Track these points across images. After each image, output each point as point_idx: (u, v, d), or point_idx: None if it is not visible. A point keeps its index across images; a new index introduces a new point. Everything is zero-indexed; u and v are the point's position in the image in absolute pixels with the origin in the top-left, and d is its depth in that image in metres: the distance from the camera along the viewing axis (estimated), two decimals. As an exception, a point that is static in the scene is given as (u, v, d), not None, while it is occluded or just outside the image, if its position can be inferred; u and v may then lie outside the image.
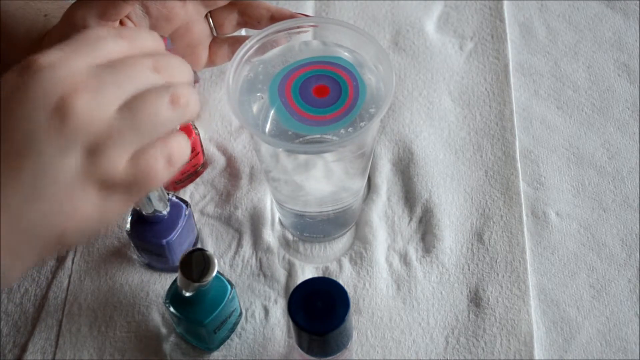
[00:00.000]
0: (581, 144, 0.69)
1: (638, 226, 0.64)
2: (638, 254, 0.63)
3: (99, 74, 0.33)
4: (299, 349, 0.51)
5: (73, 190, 0.32)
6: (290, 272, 0.62)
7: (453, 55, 0.74)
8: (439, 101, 0.71)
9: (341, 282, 0.51)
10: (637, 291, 0.61)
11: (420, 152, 0.68)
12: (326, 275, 0.62)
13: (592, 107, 0.71)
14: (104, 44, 0.34)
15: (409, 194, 0.66)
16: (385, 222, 0.65)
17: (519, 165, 0.67)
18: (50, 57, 0.32)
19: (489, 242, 0.63)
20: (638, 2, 0.78)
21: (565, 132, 0.70)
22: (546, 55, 0.75)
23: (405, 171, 0.67)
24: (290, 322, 0.49)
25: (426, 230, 0.64)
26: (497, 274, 0.62)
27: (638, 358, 0.58)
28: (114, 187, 0.33)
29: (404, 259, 0.63)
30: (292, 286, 0.60)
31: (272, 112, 0.56)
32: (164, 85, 0.34)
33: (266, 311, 0.61)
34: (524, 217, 0.64)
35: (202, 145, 0.66)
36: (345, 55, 0.62)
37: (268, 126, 0.55)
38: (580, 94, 0.72)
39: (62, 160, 0.32)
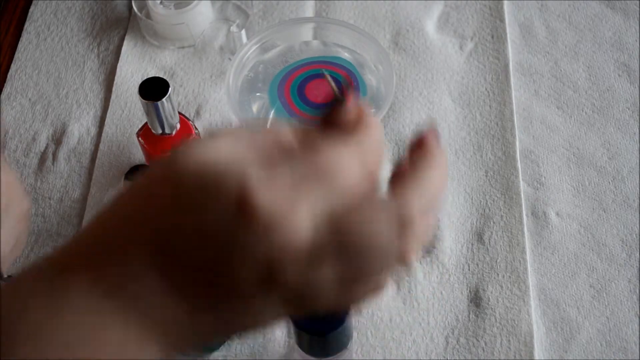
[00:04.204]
0: (581, 144, 0.69)
1: (638, 226, 0.64)
2: (638, 254, 0.63)
3: (323, 243, 0.27)
4: (299, 349, 0.51)
5: (264, 315, 0.30)
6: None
7: (453, 55, 0.74)
8: (439, 101, 0.71)
9: (341, 282, 0.51)
10: (637, 291, 0.61)
11: (420, 152, 0.68)
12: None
13: (592, 107, 0.71)
14: (348, 191, 0.28)
15: (409, 194, 0.66)
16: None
17: (519, 165, 0.67)
18: (277, 199, 0.27)
19: (489, 242, 0.63)
20: (638, 2, 0.78)
21: (565, 132, 0.70)
22: (546, 55, 0.75)
23: (405, 171, 0.67)
24: (290, 322, 0.49)
25: (426, 230, 0.64)
26: (497, 274, 0.62)
27: (638, 358, 0.58)
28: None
29: (404, 259, 0.63)
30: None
31: (272, 112, 0.56)
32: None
33: (266, 311, 0.61)
34: (524, 217, 0.64)
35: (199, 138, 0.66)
36: (346, 55, 0.62)
37: (268, 126, 0.55)
38: (580, 94, 0.72)
39: (260, 305, 0.29)
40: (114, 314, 0.28)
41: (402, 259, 0.29)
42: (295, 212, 0.27)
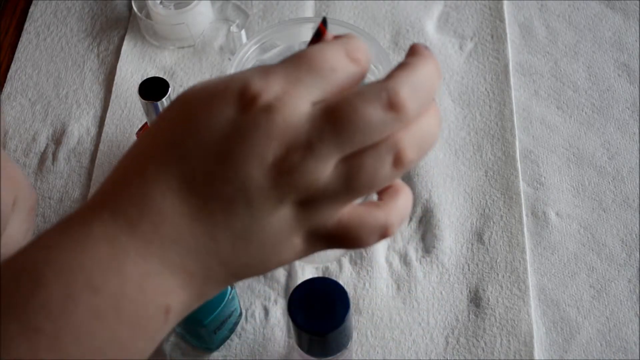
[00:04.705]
0: (581, 144, 0.69)
1: (638, 226, 0.64)
2: (638, 254, 0.63)
3: (320, 126, 0.29)
4: (299, 349, 0.51)
5: (279, 239, 0.31)
6: (290, 272, 0.62)
7: (453, 55, 0.74)
8: (439, 101, 0.71)
9: (341, 282, 0.51)
10: (637, 291, 0.61)
11: (420, 152, 0.68)
12: (326, 275, 0.62)
13: (592, 107, 0.71)
14: (336, 75, 0.30)
15: (409, 194, 0.66)
16: (385, 222, 0.64)
17: (519, 165, 0.67)
18: (274, 89, 0.29)
19: (489, 242, 0.63)
20: (638, 2, 0.78)
21: (565, 132, 0.70)
22: (546, 55, 0.75)
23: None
24: (290, 322, 0.49)
25: (426, 230, 0.64)
26: (497, 274, 0.62)
27: (638, 358, 0.58)
28: (320, 239, 0.32)
29: (404, 259, 0.63)
30: (292, 286, 0.60)
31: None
32: (386, 142, 0.30)
33: (266, 311, 0.61)
34: (524, 217, 0.64)
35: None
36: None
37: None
38: (580, 94, 0.72)
39: (273, 212, 0.30)
40: (133, 246, 0.30)
41: (397, 150, 0.30)
42: (291, 96, 0.29)
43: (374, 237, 0.32)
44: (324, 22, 0.33)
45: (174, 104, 0.31)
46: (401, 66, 0.31)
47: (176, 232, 0.30)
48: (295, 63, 0.30)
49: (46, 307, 0.29)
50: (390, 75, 0.30)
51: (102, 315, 0.29)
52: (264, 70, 0.30)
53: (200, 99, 0.30)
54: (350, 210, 0.31)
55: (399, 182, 0.33)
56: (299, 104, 0.29)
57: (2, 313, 0.29)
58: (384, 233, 0.32)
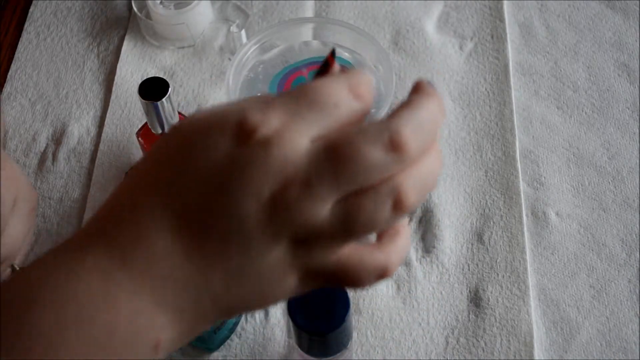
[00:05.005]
0: (581, 144, 0.69)
1: (638, 226, 0.64)
2: (638, 254, 0.63)
3: (318, 164, 0.28)
4: (299, 349, 0.51)
5: (274, 277, 0.30)
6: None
7: (453, 55, 0.74)
8: (439, 101, 0.71)
9: (341, 282, 0.51)
10: (637, 291, 0.61)
11: (420, 152, 0.68)
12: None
13: (592, 107, 0.71)
14: (338, 111, 0.29)
15: (409, 194, 0.66)
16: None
17: (519, 165, 0.67)
18: (273, 123, 0.28)
19: (489, 242, 0.63)
20: (638, 2, 0.78)
21: (565, 132, 0.70)
22: (546, 55, 0.75)
23: (405, 171, 0.67)
24: (290, 322, 0.49)
25: (426, 230, 0.64)
26: (497, 274, 0.62)
27: (638, 358, 0.58)
28: (317, 278, 0.31)
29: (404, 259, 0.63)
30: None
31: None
32: (386, 184, 0.29)
33: (266, 311, 0.61)
34: (524, 217, 0.64)
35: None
36: (345, 55, 0.62)
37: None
38: (580, 94, 0.72)
39: (268, 249, 0.29)
40: (125, 281, 0.29)
41: (398, 193, 0.29)
42: (291, 131, 0.28)
43: (373, 278, 0.31)
44: (332, 53, 0.33)
45: (170, 134, 0.31)
46: (404, 105, 0.30)
47: (169, 269, 0.29)
48: (297, 97, 0.29)
49: (35, 336, 0.28)
50: (393, 114, 0.29)
51: (92, 346, 0.29)
52: (264, 102, 0.29)
53: (197, 130, 0.30)
54: (350, 250, 0.31)
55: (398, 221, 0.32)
56: (298, 139, 0.28)
57: None
58: (383, 274, 0.31)
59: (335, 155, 0.28)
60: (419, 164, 0.30)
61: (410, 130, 0.29)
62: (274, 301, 0.32)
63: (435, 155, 0.30)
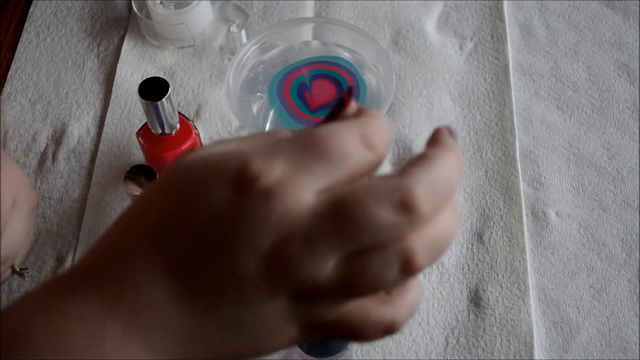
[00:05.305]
0: (581, 144, 0.69)
1: (638, 226, 0.64)
2: (638, 254, 0.63)
3: (323, 221, 0.26)
4: (299, 349, 0.51)
5: (273, 329, 0.29)
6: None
7: (453, 55, 0.74)
8: (439, 101, 0.71)
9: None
10: (637, 291, 0.61)
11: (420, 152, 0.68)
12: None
13: (592, 107, 0.71)
14: (347, 163, 0.27)
15: (409, 194, 0.66)
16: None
17: (519, 165, 0.67)
18: (277, 172, 0.26)
19: (489, 242, 0.63)
20: (638, 2, 0.78)
21: (565, 132, 0.70)
22: (546, 55, 0.75)
23: (405, 171, 0.67)
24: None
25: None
26: (497, 274, 0.62)
27: (638, 358, 0.58)
28: (318, 331, 0.29)
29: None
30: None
31: (271, 112, 0.56)
32: (395, 245, 0.27)
33: (266, 311, 0.61)
34: (524, 217, 0.64)
35: (202, 145, 0.66)
36: (345, 55, 0.62)
37: (268, 126, 0.55)
38: (580, 94, 0.72)
39: (266, 303, 0.27)
40: (115, 326, 0.28)
41: (406, 255, 0.27)
42: (294, 183, 0.26)
43: (379, 334, 0.29)
44: (349, 92, 0.30)
45: (168, 174, 0.29)
46: (420, 159, 0.28)
47: (160, 317, 0.28)
48: (303, 145, 0.27)
49: None
50: (407, 171, 0.27)
51: None
52: (268, 149, 0.27)
53: (196, 173, 0.28)
54: (355, 305, 0.29)
55: None
56: (302, 192, 0.26)
57: None
58: (390, 330, 0.30)
59: (340, 214, 0.26)
60: (432, 224, 0.27)
61: (424, 190, 0.27)
62: (272, 351, 0.30)
63: (451, 214, 0.28)
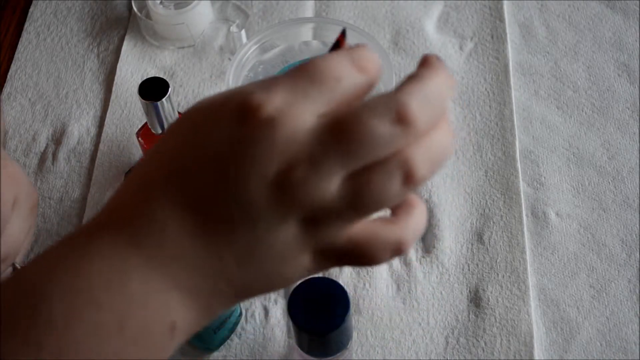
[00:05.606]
0: (581, 144, 0.69)
1: (638, 226, 0.64)
2: (638, 254, 0.63)
3: (325, 140, 0.28)
4: (299, 349, 0.51)
5: (286, 257, 0.30)
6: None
7: (453, 55, 0.74)
8: (439, 101, 0.71)
9: (341, 282, 0.51)
10: (637, 291, 0.61)
11: (420, 152, 0.68)
12: (326, 276, 0.62)
13: (592, 107, 0.71)
14: (341, 85, 0.29)
15: (409, 194, 0.66)
16: (385, 222, 0.64)
17: (519, 165, 0.67)
18: (277, 101, 0.28)
19: (489, 242, 0.63)
20: (638, 2, 0.78)
21: (565, 132, 0.70)
22: (546, 55, 0.75)
23: (405, 171, 0.67)
24: (290, 322, 0.49)
25: (426, 230, 0.64)
26: (497, 274, 0.62)
27: (638, 358, 0.58)
28: (330, 257, 0.30)
29: (404, 259, 0.63)
30: (292, 286, 0.60)
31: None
32: (396, 158, 0.28)
33: (266, 311, 0.61)
34: (524, 217, 0.64)
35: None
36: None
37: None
38: (580, 94, 0.72)
39: (277, 229, 0.29)
40: (137, 263, 0.29)
41: (407, 166, 0.28)
42: (294, 109, 0.28)
43: (387, 254, 0.31)
44: (343, 33, 0.32)
45: (179, 120, 0.31)
46: (411, 78, 0.29)
47: (180, 250, 0.29)
48: (299, 74, 0.29)
49: (49, 323, 0.28)
50: (400, 88, 0.29)
51: (105, 332, 0.29)
52: (267, 82, 0.29)
53: (203, 114, 0.30)
54: (362, 227, 0.30)
55: (413, 196, 0.32)
56: (303, 116, 0.28)
57: (4, 328, 0.28)
58: (397, 250, 0.31)
59: (340, 131, 0.28)
60: (429, 138, 0.29)
61: (418, 103, 0.28)
62: (291, 281, 0.31)
63: (446, 129, 0.30)
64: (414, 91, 0.29)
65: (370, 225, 0.30)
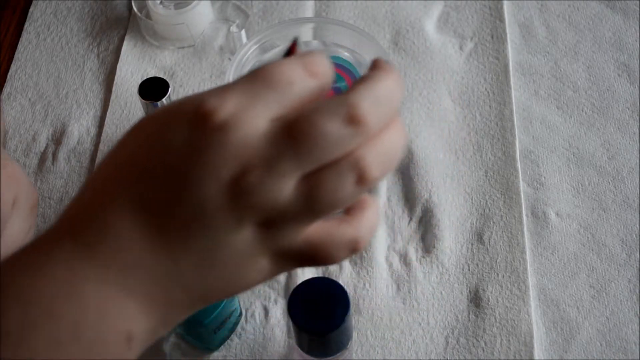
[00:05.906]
0: (581, 144, 0.69)
1: (638, 226, 0.64)
2: (638, 254, 0.63)
3: (278, 143, 0.28)
4: (299, 349, 0.51)
5: (243, 261, 0.30)
6: (290, 272, 0.62)
7: (453, 55, 0.74)
8: (439, 101, 0.71)
9: (341, 282, 0.51)
10: (637, 291, 0.61)
11: (420, 152, 0.68)
12: (326, 276, 0.62)
13: (592, 107, 0.71)
14: (293, 89, 0.29)
15: (408, 194, 0.66)
16: (385, 222, 0.65)
17: (519, 165, 0.67)
18: (230, 106, 0.28)
19: (489, 242, 0.63)
20: (638, 2, 0.78)
21: (565, 132, 0.70)
22: (546, 55, 0.75)
23: (405, 171, 0.67)
24: (290, 322, 0.49)
25: (426, 230, 0.64)
26: (497, 274, 0.62)
27: (638, 358, 0.58)
28: (288, 259, 0.31)
29: (404, 259, 0.63)
30: (292, 286, 0.60)
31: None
32: (348, 158, 0.29)
33: (266, 311, 0.61)
34: (524, 217, 0.64)
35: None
36: (345, 55, 0.62)
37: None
38: (580, 94, 0.72)
39: (233, 234, 0.29)
40: (93, 272, 0.29)
41: (359, 167, 0.29)
42: (247, 113, 0.28)
43: (344, 253, 0.31)
44: (295, 41, 0.33)
45: (135, 125, 0.31)
46: (361, 80, 0.30)
47: (135, 257, 0.29)
48: (251, 79, 0.29)
49: (5, 335, 0.28)
50: (351, 89, 0.29)
51: (61, 343, 0.28)
52: (220, 88, 0.29)
53: (156, 121, 0.30)
54: (317, 228, 0.30)
55: (366, 196, 0.32)
56: (256, 121, 0.28)
57: None
58: (353, 248, 0.31)
59: (292, 133, 0.28)
60: (381, 138, 0.29)
61: (368, 104, 0.29)
62: (251, 285, 0.31)
63: (398, 130, 0.30)
64: (364, 92, 0.29)
65: (325, 226, 0.31)
